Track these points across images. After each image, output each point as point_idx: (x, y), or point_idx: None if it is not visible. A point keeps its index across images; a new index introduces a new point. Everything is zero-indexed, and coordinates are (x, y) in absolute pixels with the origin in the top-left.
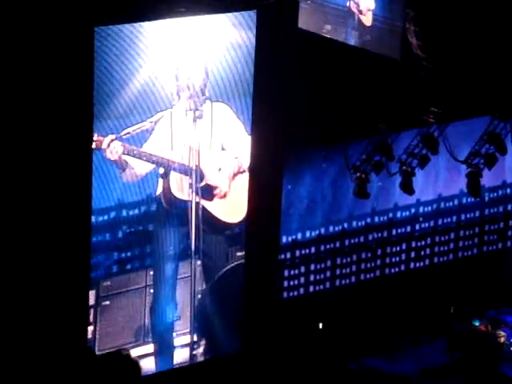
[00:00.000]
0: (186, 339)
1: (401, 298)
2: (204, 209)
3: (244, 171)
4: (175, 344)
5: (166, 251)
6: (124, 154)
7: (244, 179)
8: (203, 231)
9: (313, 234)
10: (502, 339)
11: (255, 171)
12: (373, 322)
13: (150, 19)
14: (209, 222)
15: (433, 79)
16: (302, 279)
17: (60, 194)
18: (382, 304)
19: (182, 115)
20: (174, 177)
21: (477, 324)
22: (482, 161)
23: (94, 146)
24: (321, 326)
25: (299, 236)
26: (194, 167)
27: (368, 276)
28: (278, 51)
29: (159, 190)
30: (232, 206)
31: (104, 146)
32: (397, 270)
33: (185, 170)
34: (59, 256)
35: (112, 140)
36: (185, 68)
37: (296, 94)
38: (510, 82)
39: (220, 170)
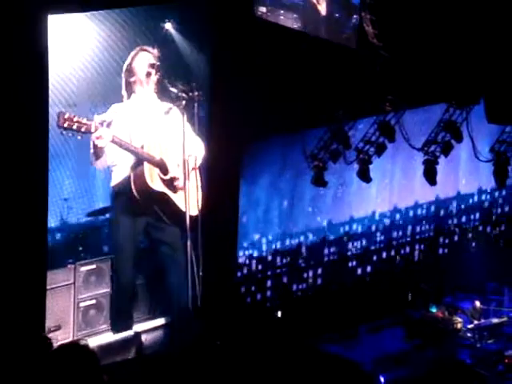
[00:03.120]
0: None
1: (360, 284)
2: (171, 200)
3: (197, 168)
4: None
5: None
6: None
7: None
8: (169, 222)
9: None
10: (459, 325)
11: (211, 166)
12: (332, 310)
13: (103, 7)
14: (175, 213)
15: (389, 67)
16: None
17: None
18: (341, 291)
19: (137, 109)
20: (147, 167)
21: (434, 310)
22: (439, 148)
23: (83, 129)
24: (279, 314)
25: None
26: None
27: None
28: (232, 41)
29: (131, 180)
30: (190, 199)
31: (93, 130)
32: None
33: (154, 162)
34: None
35: (102, 125)
36: (139, 60)
37: (253, 85)
38: (466, 69)
39: (178, 165)
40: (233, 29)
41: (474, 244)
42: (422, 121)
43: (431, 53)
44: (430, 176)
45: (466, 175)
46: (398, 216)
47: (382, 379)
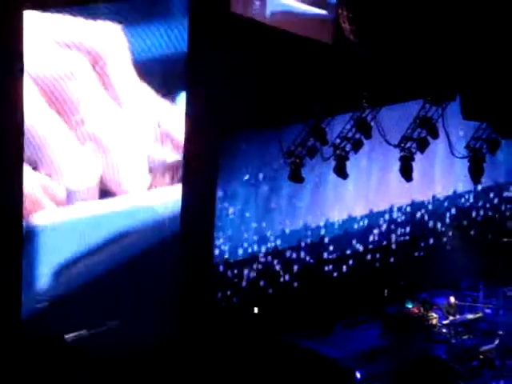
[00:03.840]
0: None
1: (337, 282)
2: None
3: None
4: None
5: None
6: None
7: None
8: None
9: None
10: (434, 321)
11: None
12: (310, 307)
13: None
14: None
15: (365, 64)
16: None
17: None
18: (319, 288)
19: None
20: None
21: (409, 306)
22: (415, 145)
23: None
24: (256, 310)
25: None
26: None
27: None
28: (211, 36)
29: None
30: None
31: None
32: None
33: None
34: None
35: None
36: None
37: (230, 80)
38: (442, 66)
39: None
40: (209, 24)
41: (448, 242)
42: (399, 117)
43: (407, 49)
44: (406, 172)
45: (441, 175)
46: (374, 217)
47: (358, 375)
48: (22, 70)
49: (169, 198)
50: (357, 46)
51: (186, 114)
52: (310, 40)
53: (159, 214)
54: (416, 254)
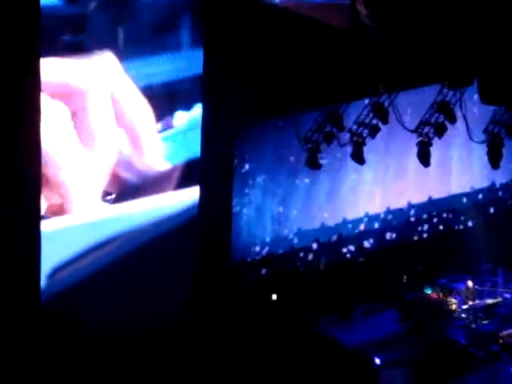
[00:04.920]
0: None
1: (355, 266)
2: None
3: None
4: None
5: None
6: None
7: None
8: None
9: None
10: (454, 306)
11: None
12: (329, 293)
13: None
14: None
15: (382, 49)
16: None
17: None
18: (338, 275)
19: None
20: None
21: (428, 292)
22: (432, 130)
23: None
24: (274, 297)
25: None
26: None
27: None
28: (226, 22)
29: None
30: None
31: None
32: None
33: None
34: None
35: None
36: None
37: (245, 70)
38: (460, 51)
39: None
40: (224, 13)
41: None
42: (416, 103)
43: (425, 34)
44: (424, 158)
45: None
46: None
47: (378, 361)
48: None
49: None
50: (373, 31)
51: (204, 105)
52: (325, 25)
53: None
54: (434, 239)
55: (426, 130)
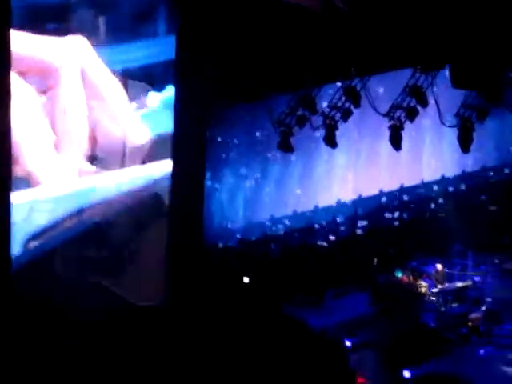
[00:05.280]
0: None
1: (326, 250)
2: None
3: None
4: None
5: None
6: None
7: None
8: None
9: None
10: (424, 289)
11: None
12: (300, 277)
13: None
14: None
15: (354, 31)
16: None
17: None
18: (309, 258)
19: None
20: None
21: (399, 275)
22: (404, 114)
23: None
24: (246, 280)
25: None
26: None
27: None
28: (198, 8)
29: None
30: None
31: None
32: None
33: None
34: None
35: None
36: None
37: (219, 52)
38: (432, 34)
39: None
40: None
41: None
42: (388, 86)
43: (397, 17)
44: (396, 141)
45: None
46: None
47: (348, 343)
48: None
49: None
50: (345, 13)
51: (176, 89)
52: (298, 7)
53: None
54: (405, 222)
55: (397, 113)
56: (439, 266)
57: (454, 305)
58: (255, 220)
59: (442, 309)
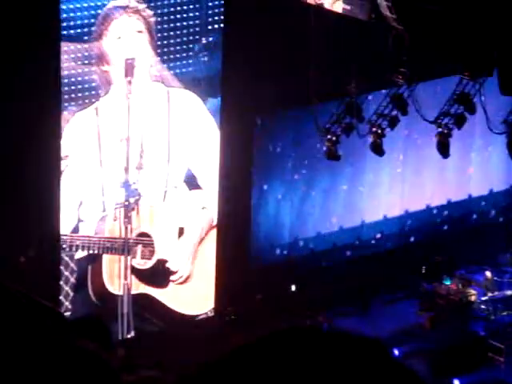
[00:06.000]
0: None
1: (375, 259)
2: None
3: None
4: None
5: None
6: None
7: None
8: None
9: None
10: (473, 298)
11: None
12: (347, 284)
13: None
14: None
15: (402, 39)
16: None
17: None
18: (357, 265)
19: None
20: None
21: (447, 283)
22: (452, 121)
23: None
24: (293, 288)
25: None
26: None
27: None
28: (247, 15)
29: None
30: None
31: None
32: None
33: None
34: None
35: None
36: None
37: (265, 60)
38: (480, 41)
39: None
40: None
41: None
42: (435, 93)
43: (444, 25)
44: (444, 149)
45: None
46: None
47: (396, 352)
48: None
49: None
50: (393, 22)
51: (222, 97)
52: (345, 16)
53: None
54: (454, 229)
55: (445, 120)
56: (488, 274)
57: (503, 313)
58: (301, 236)
59: (492, 317)
